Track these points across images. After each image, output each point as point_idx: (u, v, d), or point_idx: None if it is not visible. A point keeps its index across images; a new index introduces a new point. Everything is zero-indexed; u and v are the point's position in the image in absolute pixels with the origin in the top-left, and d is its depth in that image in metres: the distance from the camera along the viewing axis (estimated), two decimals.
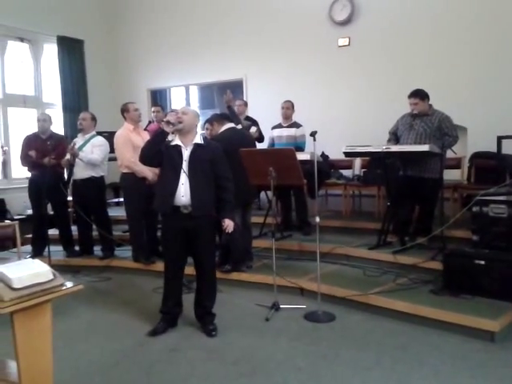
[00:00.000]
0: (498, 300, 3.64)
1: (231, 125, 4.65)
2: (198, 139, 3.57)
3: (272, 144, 6.08)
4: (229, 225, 3.59)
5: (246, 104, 6.62)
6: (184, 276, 3.89)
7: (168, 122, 3.44)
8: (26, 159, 5.58)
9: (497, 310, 3.50)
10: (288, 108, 5.94)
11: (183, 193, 3.45)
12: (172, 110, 5.73)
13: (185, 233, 3.52)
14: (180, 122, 3.46)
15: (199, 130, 4.30)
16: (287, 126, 5.95)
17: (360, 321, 3.79)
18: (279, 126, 6.04)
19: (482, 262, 3.80)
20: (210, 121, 4.87)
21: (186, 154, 3.52)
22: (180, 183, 3.46)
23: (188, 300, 3.79)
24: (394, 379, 2.86)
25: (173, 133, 3.52)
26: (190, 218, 3.47)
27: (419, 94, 4.68)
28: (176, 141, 3.55)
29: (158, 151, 3.51)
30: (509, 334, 3.36)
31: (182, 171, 3.47)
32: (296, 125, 5.93)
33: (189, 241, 3.57)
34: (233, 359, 3.19)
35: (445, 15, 6.44)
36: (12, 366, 2.28)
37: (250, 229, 4.93)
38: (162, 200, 3.57)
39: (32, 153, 5.42)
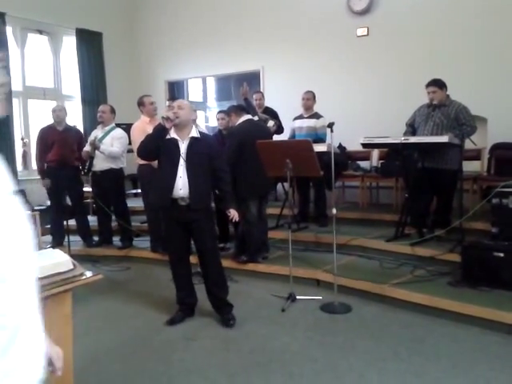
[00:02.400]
0: None
1: (248, 117, 4.67)
2: (194, 133, 3.58)
3: (293, 135, 6.02)
4: (234, 214, 3.64)
5: (263, 96, 6.60)
6: (197, 266, 3.93)
7: (168, 119, 3.45)
8: (41, 160, 5.68)
9: None
10: (309, 99, 5.88)
11: (181, 186, 3.48)
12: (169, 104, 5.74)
13: (184, 225, 3.57)
14: (177, 117, 3.47)
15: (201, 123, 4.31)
16: (308, 117, 5.90)
17: (376, 312, 3.78)
18: (300, 116, 5.99)
19: (501, 255, 3.75)
20: (227, 112, 4.88)
21: (182, 147, 3.53)
22: (178, 176, 3.48)
23: (204, 289, 3.81)
24: (410, 371, 2.85)
25: (176, 125, 3.53)
26: (188, 211, 3.51)
27: (437, 83, 4.65)
28: (172, 134, 3.55)
29: (157, 146, 3.55)
30: None
31: (179, 165, 3.50)
32: (317, 116, 5.86)
33: (189, 232, 3.62)
34: (249, 349, 3.22)
35: (466, 2, 6.32)
36: None
37: (266, 220, 4.95)
38: (160, 193, 3.62)
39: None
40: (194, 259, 3.80)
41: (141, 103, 5.33)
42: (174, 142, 3.54)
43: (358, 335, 3.37)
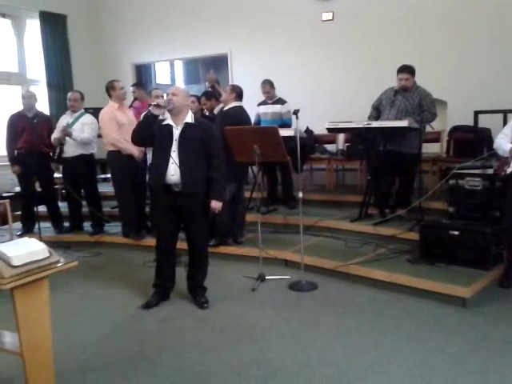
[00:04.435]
0: (471, 268, 3.87)
1: (240, 103, 4.75)
2: (190, 118, 3.61)
3: (258, 120, 6.13)
4: (215, 207, 3.64)
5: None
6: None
7: (157, 105, 3.50)
8: (11, 147, 5.63)
9: (469, 278, 3.72)
10: (268, 92, 5.95)
11: (173, 172, 3.53)
12: (156, 88, 5.77)
13: (176, 210, 3.63)
14: (170, 104, 3.51)
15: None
16: (272, 103, 6.01)
17: (341, 289, 3.99)
18: (264, 102, 6.10)
19: (457, 233, 4.00)
20: (234, 88, 4.84)
21: (176, 133, 3.58)
22: (170, 162, 3.54)
23: (179, 273, 3.93)
24: (370, 342, 3.07)
25: (170, 111, 3.56)
26: (180, 196, 3.57)
27: (410, 70, 4.74)
28: (168, 120, 3.61)
29: (150, 132, 3.59)
30: (479, 300, 3.58)
31: (171, 150, 3.55)
32: (281, 101, 5.98)
33: (180, 218, 3.68)
34: (221, 328, 3.38)
35: None
36: (7, 335, 2.45)
37: (245, 203, 5.06)
38: (154, 179, 3.69)
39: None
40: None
41: (111, 87, 5.29)
42: (169, 129, 3.58)
43: (323, 311, 3.58)
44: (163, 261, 3.80)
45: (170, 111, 3.57)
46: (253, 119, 6.18)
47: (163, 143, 3.59)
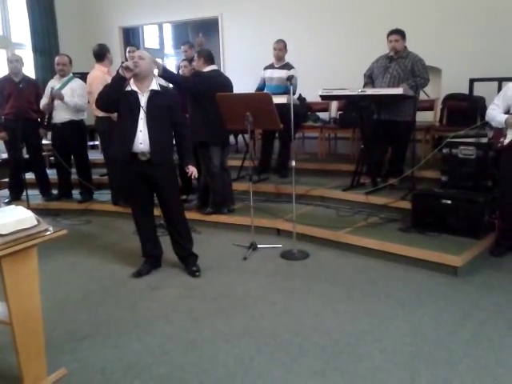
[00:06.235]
0: (463, 237, 3.87)
1: (213, 67, 4.61)
2: (155, 85, 3.50)
3: (262, 85, 5.90)
4: (193, 171, 3.62)
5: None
6: (160, 218, 3.98)
7: (127, 68, 3.35)
8: None
9: (461, 247, 3.73)
10: (280, 49, 5.61)
11: (141, 140, 3.43)
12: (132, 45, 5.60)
13: (145, 179, 3.56)
14: (136, 67, 3.37)
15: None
16: (279, 68, 5.74)
17: (332, 258, 3.99)
18: (271, 66, 5.79)
19: (449, 202, 3.99)
20: (199, 53, 4.71)
21: (143, 100, 3.45)
22: (138, 130, 3.43)
23: (169, 241, 3.88)
24: (362, 310, 3.08)
25: (136, 75, 3.43)
26: (148, 165, 3.49)
27: (400, 32, 4.69)
28: (132, 86, 3.45)
29: (118, 96, 3.45)
30: (471, 269, 3.59)
31: (139, 118, 3.43)
32: (288, 66, 5.66)
33: (150, 186, 3.62)
34: (212, 296, 3.37)
35: None
36: None
37: (229, 171, 5.00)
38: (120, 147, 3.53)
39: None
40: (157, 211, 3.85)
41: (107, 50, 5.23)
42: (134, 95, 3.45)
43: (315, 279, 3.58)
44: (143, 230, 3.77)
45: (135, 75, 3.42)
46: (256, 83, 5.89)
47: (130, 110, 3.45)
